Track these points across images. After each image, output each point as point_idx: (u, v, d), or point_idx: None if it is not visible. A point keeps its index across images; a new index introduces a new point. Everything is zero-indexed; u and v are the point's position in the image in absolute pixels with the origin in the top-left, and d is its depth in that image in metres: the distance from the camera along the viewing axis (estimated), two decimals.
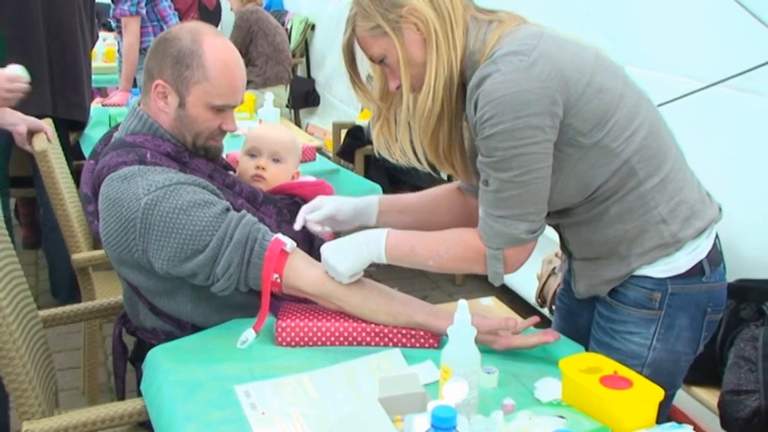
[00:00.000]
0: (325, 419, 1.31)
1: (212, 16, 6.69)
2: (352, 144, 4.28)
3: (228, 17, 6.40)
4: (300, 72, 6.75)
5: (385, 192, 3.16)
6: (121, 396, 1.87)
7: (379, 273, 1.75)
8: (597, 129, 1.46)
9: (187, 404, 1.37)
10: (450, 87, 1.50)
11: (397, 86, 1.56)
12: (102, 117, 3.73)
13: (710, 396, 2.07)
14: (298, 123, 6.41)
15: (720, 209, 1.63)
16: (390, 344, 1.59)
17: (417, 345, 1.59)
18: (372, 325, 1.59)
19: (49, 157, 2.57)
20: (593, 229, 1.57)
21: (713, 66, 2.36)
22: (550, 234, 1.68)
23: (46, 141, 2.68)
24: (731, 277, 2.07)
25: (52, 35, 3.36)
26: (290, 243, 1.59)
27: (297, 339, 1.58)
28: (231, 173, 1.89)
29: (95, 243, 2.90)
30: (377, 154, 1.73)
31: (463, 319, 1.29)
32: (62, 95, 3.42)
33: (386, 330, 1.59)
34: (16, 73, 2.55)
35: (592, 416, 1.25)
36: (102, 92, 5.58)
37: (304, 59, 6.75)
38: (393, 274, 1.71)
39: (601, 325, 1.64)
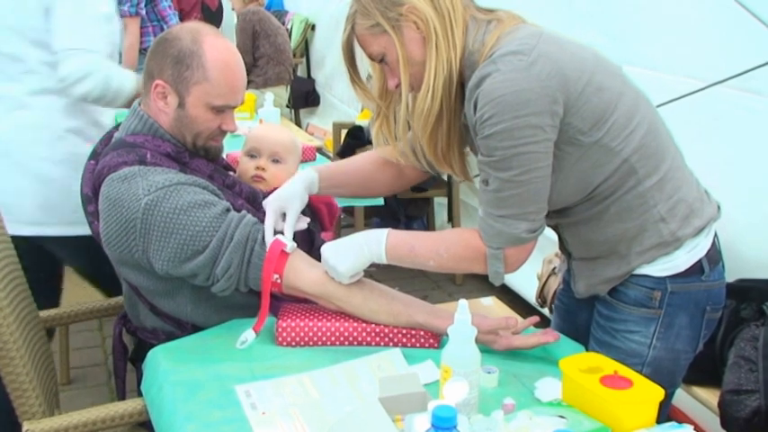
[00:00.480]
0: (325, 419, 1.31)
1: (214, 17, 6.69)
2: (353, 144, 4.28)
3: (230, 17, 6.41)
4: (301, 72, 6.75)
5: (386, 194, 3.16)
6: (122, 396, 1.87)
7: (379, 273, 1.75)
8: (597, 127, 1.46)
9: (187, 404, 1.37)
10: (450, 86, 1.49)
11: (396, 85, 1.55)
12: None
13: (711, 396, 2.07)
14: (298, 123, 6.41)
15: (719, 207, 1.63)
16: (391, 344, 1.59)
17: (418, 345, 1.60)
18: (373, 325, 1.59)
19: None
20: (592, 229, 1.57)
21: (714, 66, 2.36)
22: (550, 234, 1.69)
23: None
24: (731, 277, 2.07)
25: None
26: (290, 243, 1.59)
27: (297, 339, 1.58)
28: (231, 173, 1.89)
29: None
30: (392, 165, 1.73)
31: (463, 318, 1.29)
32: None
33: (386, 330, 1.59)
34: None
35: (592, 416, 1.25)
36: None
37: (304, 59, 6.75)
38: (393, 274, 1.72)
39: (601, 324, 1.64)
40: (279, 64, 5.24)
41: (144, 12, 4.33)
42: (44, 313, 2.06)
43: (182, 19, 4.93)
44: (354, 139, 4.27)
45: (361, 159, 1.84)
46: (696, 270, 1.56)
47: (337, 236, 1.74)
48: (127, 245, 1.60)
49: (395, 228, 1.62)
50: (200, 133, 1.72)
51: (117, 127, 1.81)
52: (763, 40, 2.20)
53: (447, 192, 4.11)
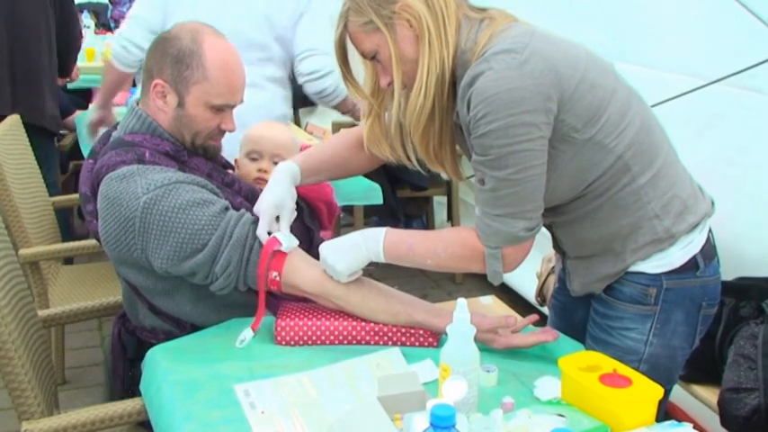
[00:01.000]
0: (324, 418, 1.30)
1: None
2: None
3: None
4: None
5: (384, 192, 3.16)
6: (121, 396, 1.87)
7: (378, 271, 1.75)
8: (590, 124, 1.46)
9: (186, 403, 1.37)
10: (442, 85, 1.49)
11: (388, 83, 1.55)
12: None
13: (710, 394, 2.07)
14: (297, 123, 6.39)
15: (713, 203, 1.63)
16: (390, 343, 1.59)
17: (417, 343, 1.59)
18: (372, 324, 1.59)
19: None
20: (586, 227, 1.57)
21: (713, 63, 2.36)
22: (548, 232, 1.68)
23: None
24: (731, 275, 2.07)
25: (14, 37, 3.37)
26: (286, 242, 1.58)
27: (296, 338, 1.58)
28: (230, 171, 1.89)
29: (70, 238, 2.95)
30: (367, 150, 1.73)
31: (463, 317, 1.29)
32: (22, 97, 3.41)
33: (385, 329, 1.59)
34: None
35: (591, 414, 1.25)
36: None
37: None
38: (392, 272, 1.72)
39: (597, 322, 1.64)
40: None
41: None
42: (43, 312, 2.06)
43: None
44: None
45: (336, 144, 1.83)
46: (691, 266, 1.56)
47: (336, 235, 1.74)
48: (126, 243, 1.59)
49: (394, 227, 1.61)
50: (199, 132, 1.72)
51: (115, 126, 1.81)
52: (761, 38, 2.20)
53: (446, 191, 4.11)
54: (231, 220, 1.58)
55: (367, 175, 3.18)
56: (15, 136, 2.90)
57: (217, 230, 1.56)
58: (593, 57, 1.51)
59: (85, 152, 3.14)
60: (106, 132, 1.84)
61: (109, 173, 1.62)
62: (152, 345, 1.62)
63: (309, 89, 2.73)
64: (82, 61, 4.33)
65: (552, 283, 2.52)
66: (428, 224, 4.33)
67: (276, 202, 1.62)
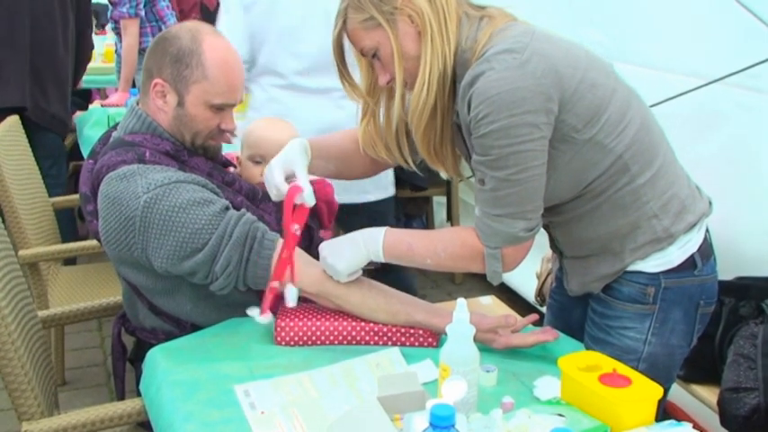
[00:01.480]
0: (324, 418, 1.31)
1: (213, 16, 6.68)
2: None
3: None
4: None
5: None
6: (121, 396, 1.87)
7: (378, 271, 1.75)
8: (591, 124, 1.46)
9: (186, 404, 1.37)
10: (444, 82, 1.49)
11: (387, 81, 1.55)
12: (100, 117, 3.72)
13: (710, 394, 2.07)
14: None
15: (711, 202, 1.64)
16: (389, 343, 1.59)
17: (416, 343, 1.60)
18: (371, 324, 1.59)
19: None
20: (584, 227, 1.57)
21: (713, 63, 2.36)
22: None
23: None
24: (731, 275, 2.07)
25: (35, 35, 3.46)
26: (307, 189, 1.58)
27: (296, 339, 1.58)
28: (231, 168, 1.89)
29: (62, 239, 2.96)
30: (362, 151, 1.73)
31: (462, 317, 1.29)
32: (34, 95, 3.49)
33: (385, 329, 1.59)
34: None
35: (591, 414, 1.25)
36: (101, 93, 5.57)
37: None
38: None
39: (595, 321, 1.64)
40: None
41: (143, 12, 4.32)
42: (43, 313, 2.06)
43: (180, 19, 4.92)
44: None
45: (343, 136, 1.82)
46: (689, 265, 1.57)
47: (336, 234, 1.73)
48: (126, 243, 1.59)
49: (394, 226, 1.61)
50: (199, 132, 1.72)
51: (115, 126, 1.81)
52: (761, 38, 2.20)
53: (446, 191, 4.11)
54: (231, 220, 1.58)
55: None
56: (15, 137, 2.90)
57: (217, 230, 1.56)
58: (593, 56, 1.52)
59: (85, 152, 3.15)
60: (106, 132, 1.84)
61: (109, 172, 1.62)
62: (152, 345, 1.62)
63: None
64: None
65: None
66: (428, 224, 4.33)
67: (287, 157, 1.62)
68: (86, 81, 4.44)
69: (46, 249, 2.69)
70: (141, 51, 4.24)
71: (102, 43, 4.95)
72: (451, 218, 4.12)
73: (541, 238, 1.55)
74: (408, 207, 4.24)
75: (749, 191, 2.28)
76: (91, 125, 3.69)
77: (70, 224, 3.54)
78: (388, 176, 2.78)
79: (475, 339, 1.30)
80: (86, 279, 2.89)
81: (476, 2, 1.56)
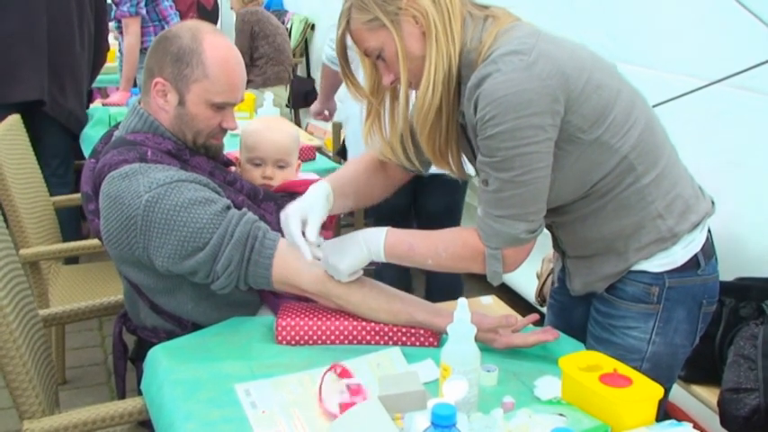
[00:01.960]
0: (325, 418, 1.31)
1: (210, 16, 6.68)
2: None
3: (227, 16, 6.40)
4: (300, 72, 6.74)
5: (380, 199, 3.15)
6: (122, 395, 1.87)
7: (379, 271, 1.75)
8: (597, 125, 1.46)
9: (187, 403, 1.37)
10: (449, 82, 1.49)
11: (391, 81, 1.55)
12: (102, 116, 3.73)
13: (710, 394, 2.07)
14: (298, 123, 6.41)
15: (713, 203, 1.64)
16: (390, 342, 1.59)
17: (417, 343, 1.60)
18: (372, 323, 1.60)
19: None
20: (588, 227, 1.57)
21: (713, 64, 2.36)
22: (548, 232, 1.69)
23: None
24: (732, 275, 2.08)
25: (52, 30, 3.51)
26: (306, 254, 1.55)
27: (297, 338, 1.59)
28: (233, 168, 1.89)
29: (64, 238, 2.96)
30: (367, 148, 1.73)
31: (463, 317, 1.29)
32: (51, 91, 3.55)
33: (386, 329, 1.59)
34: None
35: (592, 414, 1.25)
36: (103, 92, 5.57)
37: (304, 59, 6.74)
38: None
39: (598, 321, 1.64)
40: (278, 64, 5.23)
41: (144, 11, 4.32)
42: (44, 312, 2.06)
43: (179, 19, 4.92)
44: None
45: (355, 168, 1.78)
46: (692, 264, 1.57)
47: (337, 234, 1.73)
48: (127, 242, 1.60)
49: (395, 227, 1.61)
50: (200, 131, 1.72)
51: (117, 125, 1.81)
52: (762, 39, 2.20)
53: None
54: (233, 219, 1.59)
55: None
56: (16, 136, 2.90)
57: (218, 229, 1.57)
58: (597, 58, 1.52)
59: (86, 152, 3.15)
60: (107, 132, 1.85)
61: (111, 172, 1.62)
62: (153, 344, 1.62)
63: None
64: None
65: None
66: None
67: (305, 205, 1.57)
68: None
69: (47, 248, 2.69)
70: (144, 51, 4.25)
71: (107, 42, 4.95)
72: None
73: (542, 238, 1.55)
74: None
75: (749, 192, 2.29)
76: (92, 124, 3.70)
77: (73, 223, 3.55)
78: None
79: (476, 339, 1.30)
80: (87, 278, 2.89)
81: (479, 2, 1.56)
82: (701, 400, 2.12)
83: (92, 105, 4.08)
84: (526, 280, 2.99)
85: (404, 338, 1.60)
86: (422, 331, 1.59)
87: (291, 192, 1.86)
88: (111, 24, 4.58)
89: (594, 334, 1.65)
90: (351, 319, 1.60)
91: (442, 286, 2.93)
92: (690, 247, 1.56)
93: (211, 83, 1.66)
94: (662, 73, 2.53)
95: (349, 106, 3.02)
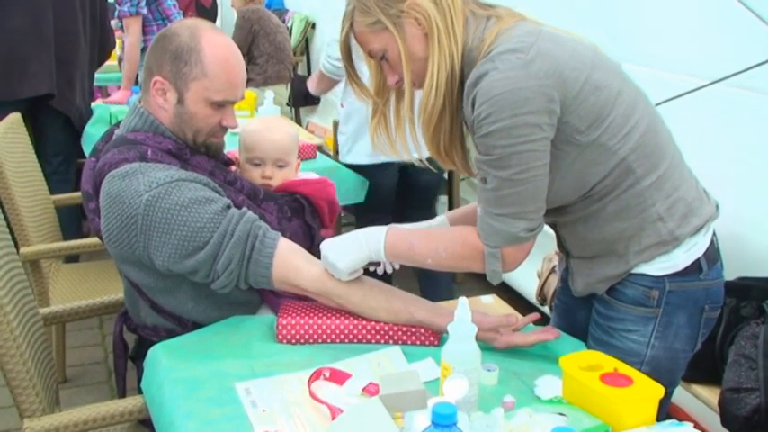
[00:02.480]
0: (325, 417, 1.31)
1: (209, 14, 6.69)
2: None
3: (228, 14, 6.39)
4: (301, 70, 6.74)
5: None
6: (122, 393, 1.87)
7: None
8: (594, 126, 1.46)
9: (188, 401, 1.37)
10: (452, 82, 1.49)
11: (396, 82, 1.55)
12: (102, 115, 3.73)
13: (711, 394, 2.07)
14: (298, 122, 6.40)
15: (718, 206, 1.63)
16: (391, 341, 1.59)
17: (418, 342, 1.60)
18: (373, 322, 1.59)
19: None
20: (589, 228, 1.57)
21: (714, 64, 2.36)
22: (551, 232, 1.68)
23: None
24: (732, 275, 2.07)
25: (57, 25, 3.54)
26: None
27: (297, 337, 1.59)
28: (233, 167, 1.89)
29: (64, 237, 2.97)
30: (372, 149, 1.73)
31: (464, 316, 1.29)
32: (60, 85, 3.57)
33: (386, 328, 1.59)
34: None
35: (592, 413, 1.25)
36: (103, 90, 5.57)
37: (305, 58, 6.74)
38: (393, 271, 1.71)
39: (599, 323, 1.64)
40: (279, 62, 5.23)
41: (145, 10, 4.32)
42: (44, 310, 2.06)
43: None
44: None
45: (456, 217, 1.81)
46: (694, 269, 1.56)
47: (337, 233, 1.73)
48: (128, 241, 1.60)
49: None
50: (200, 129, 1.72)
51: (118, 124, 1.81)
52: (763, 38, 2.20)
53: (447, 190, 4.11)
54: (233, 219, 1.58)
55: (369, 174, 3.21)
56: (16, 134, 2.90)
57: (219, 228, 1.57)
58: (600, 56, 1.51)
59: (87, 150, 3.15)
60: (108, 130, 1.85)
61: (111, 171, 1.62)
62: (153, 343, 1.62)
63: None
64: None
65: (553, 282, 2.52)
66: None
67: None
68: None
69: (47, 247, 2.69)
70: (145, 50, 4.25)
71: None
72: None
73: (543, 237, 1.55)
74: None
75: (750, 192, 2.28)
76: (93, 122, 3.71)
77: (74, 222, 3.56)
78: None
79: (476, 338, 1.30)
80: (87, 276, 2.89)
81: (483, 1, 1.56)
82: (701, 400, 2.12)
83: (93, 104, 4.08)
84: (526, 279, 2.99)
85: (404, 337, 1.60)
86: (422, 330, 1.59)
87: (291, 191, 1.86)
88: (113, 22, 4.58)
89: (595, 336, 1.65)
90: (351, 318, 1.60)
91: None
92: (692, 250, 1.55)
93: (210, 81, 1.66)
94: (662, 72, 2.53)
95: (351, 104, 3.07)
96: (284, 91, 5.37)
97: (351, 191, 3.03)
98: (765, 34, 2.19)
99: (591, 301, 1.67)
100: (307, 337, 1.59)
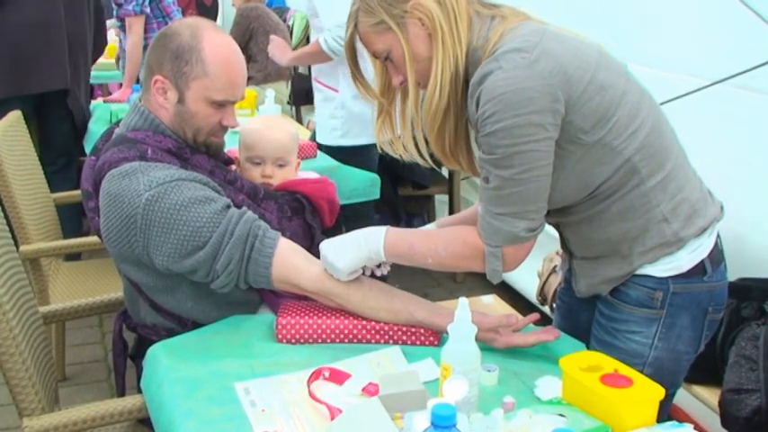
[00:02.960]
0: (324, 417, 1.30)
1: (209, 12, 6.68)
2: None
3: (229, 12, 6.38)
4: (302, 69, 6.73)
5: (383, 188, 3.17)
6: (121, 392, 1.87)
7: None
8: (599, 126, 1.45)
9: (187, 401, 1.37)
10: (456, 81, 1.49)
11: (400, 82, 1.55)
12: (103, 113, 3.73)
13: (711, 395, 2.06)
14: (299, 120, 6.39)
15: (722, 207, 1.62)
16: (390, 341, 1.59)
17: (417, 342, 1.59)
18: (372, 322, 1.59)
19: None
20: (594, 228, 1.56)
21: (716, 64, 2.36)
22: (552, 231, 1.68)
23: None
24: (733, 276, 2.07)
25: (69, 26, 3.56)
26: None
27: (297, 336, 1.58)
28: (233, 167, 1.89)
29: (64, 235, 2.97)
30: (380, 150, 1.72)
31: (464, 316, 1.28)
32: (71, 82, 3.57)
33: (386, 328, 1.59)
34: None
35: (592, 414, 1.25)
36: (104, 89, 5.57)
37: None
38: (393, 271, 1.71)
39: (602, 324, 1.63)
40: None
41: (148, 9, 4.32)
42: (44, 309, 2.06)
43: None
44: None
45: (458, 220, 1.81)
46: (698, 271, 1.55)
47: (337, 233, 1.73)
48: (127, 240, 1.59)
49: (395, 225, 1.61)
50: (200, 129, 1.71)
51: (118, 123, 1.81)
52: (765, 39, 2.19)
53: (448, 189, 4.11)
54: (233, 218, 1.58)
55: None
56: (16, 132, 2.90)
57: (218, 228, 1.56)
58: (605, 57, 1.50)
59: (88, 149, 3.15)
60: (108, 129, 1.84)
61: (111, 169, 1.62)
62: (153, 342, 1.62)
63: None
64: None
65: (553, 282, 2.52)
66: (430, 222, 4.32)
67: None
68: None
69: (47, 245, 2.69)
70: (146, 48, 4.24)
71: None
72: None
73: (543, 237, 1.54)
74: (410, 205, 4.24)
75: (751, 192, 2.28)
76: (94, 121, 3.70)
77: (74, 220, 3.55)
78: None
79: (476, 339, 1.30)
80: (87, 275, 2.89)
81: (488, 1, 1.55)
82: (702, 401, 2.11)
83: (93, 102, 4.08)
84: (527, 279, 2.99)
85: (404, 337, 1.59)
86: (422, 330, 1.59)
87: (291, 191, 1.86)
88: (111, 22, 4.58)
89: (598, 337, 1.64)
90: (351, 318, 1.60)
91: None
92: (696, 252, 1.55)
93: (211, 80, 1.66)
94: (664, 72, 2.52)
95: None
96: (285, 89, 5.37)
97: (359, 189, 3.02)
98: (767, 34, 2.18)
99: (594, 302, 1.66)
100: (306, 336, 1.58)
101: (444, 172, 4.11)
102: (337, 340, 1.59)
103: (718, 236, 1.60)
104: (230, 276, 1.58)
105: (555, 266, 2.55)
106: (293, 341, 1.58)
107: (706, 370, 2.04)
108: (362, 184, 3.05)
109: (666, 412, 1.62)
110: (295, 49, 6.20)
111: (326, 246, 1.57)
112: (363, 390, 1.37)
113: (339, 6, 2.86)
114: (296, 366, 1.47)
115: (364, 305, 1.59)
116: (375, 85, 1.64)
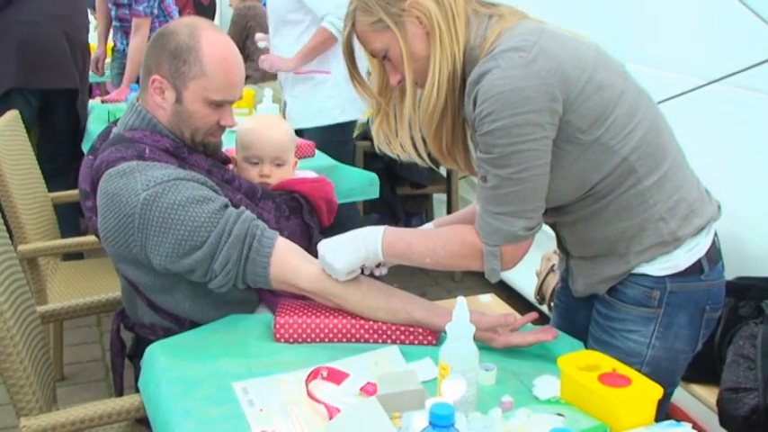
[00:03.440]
0: (323, 416, 1.30)
1: (207, 11, 6.67)
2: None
3: (227, 12, 6.38)
4: None
5: (382, 187, 3.17)
6: (119, 392, 1.87)
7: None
8: (596, 126, 1.45)
9: (185, 400, 1.37)
10: (454, 80, 1.49)
11: (398, 81, 1.55)
12: (100, 113, 3.73)
13: (709, 394, 2.07)
14: None
15: (719, 207, 1.62)
16: (389, 341, 1.59)
17: (416, 342, 1.59)
18: (371, 322, 1.59)
19: None
20: (590, 227, 1.56)
21: (714, 63, 2.36)
22: (550, 231, 1.68)
23: None
24: (731, 275, 2.07)
25: (77, 27, 3.58)
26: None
27: (295, 336, 1.58)
28: (231, 166, 1.88)
29: (62, 234, 2.97)
30: (377, 150, 1.72)
31: (462, 316, 1.28)
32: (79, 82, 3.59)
33: (384, 327, 1.59)
34: None
35: (590, 414, 1.25)
36: (102, 88, 5.56)
37: None
38: (392, 270, 1.71)
39: (599, 323, 1.64)
40: None
41: (156, 10, 4.31)
42: (42, 308, 2.05)
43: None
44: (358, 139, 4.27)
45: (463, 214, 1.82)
46: (696, 269, 1.55)
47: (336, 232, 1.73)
48: (125, 240, 1.59)
49: (394, 225, 1.61)
50: (198, 128, 1.71)
51: (115, 122, 1.81)
52: (763, 38, 2.20)
53: (446, 188, 4.11)
54: (231, 218, 1.58)
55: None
56: (14, 131, 2.90)
57: (216, 227, 1.56)
58: (603, 56, 1.50)
59: (85, 148, 3.15)
60: (106, 128, 1.84)
61: (108, 169, 1.62)
62: (151, 341, 1.61)
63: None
64: None
65: (551, 281, 2.53)
66: (428, 221, 4.32)
67: None
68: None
69: (45, 244, 2.69)
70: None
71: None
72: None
73: (542, 236, 1.54)
74: (408, 205, 4.25)
75: (749, 191, 2.28)
76: (91, 121, 3.70)
77: (72, 219, 3.55)
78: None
79: (474, 338, 1.30)
80: (85, 274, 2.89)
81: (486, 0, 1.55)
82: (700, 400, 2.12)
83: (91, 102, 4.07)
84: (525, 278, 2.99)
85: (402, 337, 1.59)
86: (420, 330, 1.59)
87: (289, 190, 1.86)
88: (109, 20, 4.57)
89: (595, 336, 1.64)
90: (349, 318, 1.60)
91: None
92: (694, 251, 1.55)
93: (209, 80, 1.66)
94: (662, 71, 2.53)
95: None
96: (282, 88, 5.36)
97: (357, 188, 3.02)
98: (765, 33, 2.19)
99: (591, 301, 1.66)
100: (304, 336, 1.58)
101: (442, 171, 4.11)
102: (335, 340, 1.59)
103: (716, 234, 1.61)
104: (228, 276, 1.58)
105: (553, 265, 2.55)
106: (291, 341, 1.58)
107: (704, 369, 2.05)
108: (362, 184, 3.05)
109: (664, 411, 1.63)
110: None
111: (324, 246, 1.57)
112: (361, 389, 1.37)
113: None
114: (294, 366, 1.47)
115: (363, 305, 1.59)
116: (373, 84, 1.63)
